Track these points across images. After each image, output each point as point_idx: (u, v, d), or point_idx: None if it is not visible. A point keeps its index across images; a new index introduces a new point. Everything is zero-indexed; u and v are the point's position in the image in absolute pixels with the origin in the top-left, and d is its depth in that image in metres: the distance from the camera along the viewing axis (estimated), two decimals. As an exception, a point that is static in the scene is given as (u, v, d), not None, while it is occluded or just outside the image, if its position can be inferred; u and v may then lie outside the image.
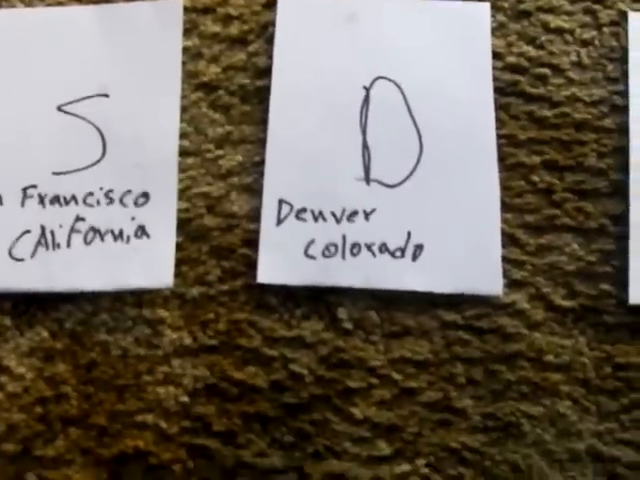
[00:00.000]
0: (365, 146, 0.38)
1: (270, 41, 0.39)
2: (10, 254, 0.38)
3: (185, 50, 0.39)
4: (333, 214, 0.38)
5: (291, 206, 0.38)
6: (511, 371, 0.37)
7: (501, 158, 0.38)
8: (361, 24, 0.39)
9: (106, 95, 0.39)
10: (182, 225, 0.38)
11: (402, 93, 0.39)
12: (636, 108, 0.38)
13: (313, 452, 0.37)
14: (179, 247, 0.38)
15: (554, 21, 0.39)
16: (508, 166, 0.38)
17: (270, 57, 0.39)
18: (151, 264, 0.38)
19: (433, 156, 0.38)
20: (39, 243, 0.38)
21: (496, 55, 0.39)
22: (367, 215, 0.38)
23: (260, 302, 0.38)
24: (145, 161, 0.38)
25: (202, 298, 0.38)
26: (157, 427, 0.37)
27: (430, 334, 0.37)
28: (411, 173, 0.38)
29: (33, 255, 0.38)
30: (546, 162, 0.38)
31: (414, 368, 0.37)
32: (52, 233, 0.38)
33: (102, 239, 0.38)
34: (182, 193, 0.38)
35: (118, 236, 0.38)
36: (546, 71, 0.39)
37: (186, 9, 0.40)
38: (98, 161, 0.39)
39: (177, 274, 0.38)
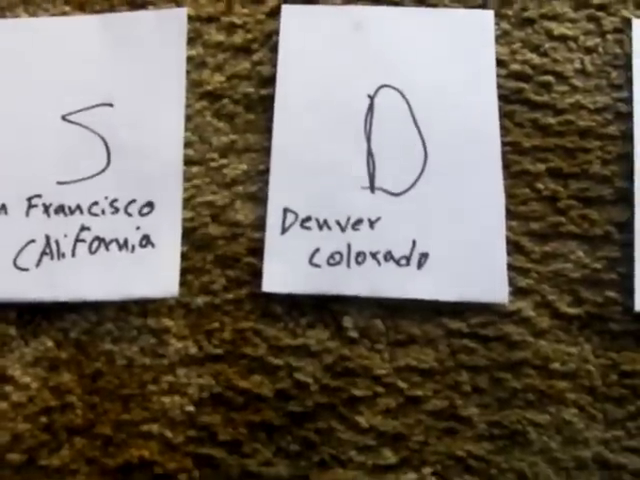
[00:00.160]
0: (370, 154, 0.38)
1: (274, 50, 0.39)
2: (15, 264, 0.38)
3: (189, 59, 0.40)
4: (338, 223, 0.38)
5: (296, 215, 0.38)
6: (517, 379, 0.37)
7: (506, 166, 0.38)
8: (365, 32, 0.39)
9: (110, 104, 0.39)
10: (187, 234, 0.38)
11: (406, 101, 0.39)
12: (640, 115, 0.38)
13: (319, 461, 0.37)
14: (184, 256, 0.38)
15: (558, 28, 0.39)
16: (513, 174, 0.38)
17: (274, 66, 0.39)
18: (156, 273, 0.38)
19: (438, 164, 0.38)
20: (44, 253, 0.38)
21: (500, 63, 0.39)
22: (372, 223, 0.38)
23: (265, 311, 0.38)
24: (150, 170, 0.38)
25: (207, 307, 0.38)
26: (162, 437, 0.37)
27: (435, 342, 0.37)
28: (416, 181, 0.38)
29: (38, 265, 0.38)
30: (551, 169, 0.38)
31: (419, 376, 0.37)
32: (57, 243, 0.38)
33: (107, 248, 0.38)
34: (187, 202, 0.38)
35: (123, 245, 0.38)
36: (550, 78, 0.39)
37: (190, 18, 0.40)
38: (103, 170, 0.39)
39: (182, 283, 0.38)
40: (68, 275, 0.38)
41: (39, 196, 0.38)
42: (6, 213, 0.38)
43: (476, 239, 0.37)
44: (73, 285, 0.38)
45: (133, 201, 0.38)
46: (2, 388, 0.37)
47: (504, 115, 0.39)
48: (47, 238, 0.38)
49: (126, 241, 0.38)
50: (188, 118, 0.39)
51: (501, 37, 0.39)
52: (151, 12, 0.40)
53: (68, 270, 0.38)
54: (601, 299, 0.37)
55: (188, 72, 0.39)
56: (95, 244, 0.38)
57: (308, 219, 0.38)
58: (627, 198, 0.38)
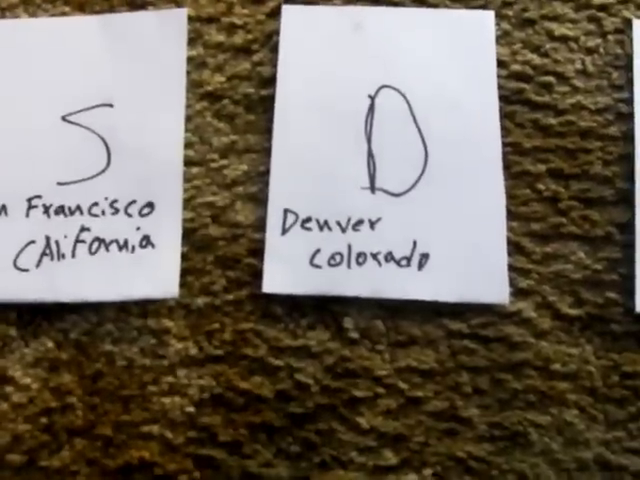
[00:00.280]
0: (370, 155, 0.38)
1: (274, 50, 0.39)
2: (15, 264, 0.38)
3: (189, 59, 0.39)
4: (338, 223, 0.38)
5: (296, 215, 0.38)
6: (518, 380, 0.37)
7: (506, 166, 0.38)
8: (365, 33, 0.39)
9: (110, 105, 0.39)
10: (187, 235, 0.38)
11: (407, 102, 0.39)
12: (641, 115, 0.38)
13: (319, 462, 0.37)
14: (184, 257, 0.38)
15: (559, 29, 0.39)
16: (513, 174, 0.38)
17: (274, 66, 0.39)
18: (156, 274, 0.38)
19: (438, 165, 0.38)
20: (44, 253, 0.38)
21: (501, 63, 0.39)
22: (372, 224, 0.38)
23: (266, 312, 0.38)
24: (150, 171, 0.38)
25: (207, 308, 0.38)
26: (163, 437, 0.37)
27: (436, 343, 0.37)
28: (416, 182, 0.38)
29: (38, 265, 0.38)
30: (551, 170, 0.38)
31: (420, 377, 0.37)
32: (57, 243, 0.38)
33: (107, 249, 0.38)
34: (187, 203, 0.38)
35: (123, 246, 0.38)
36: (551, 79, 0.39)
37: (190, 19, 0.40)
38: (103, 171, 0.39)
39: (182, 284, 0.38)
40: (68, 276, 0.38)
41: (39, 197, 0.38)
42: (6, 214, 0.38)
43: (477, 240, 0.37)
44: (73, 286, 0.38)
45: (133, 202, 0.38)
46: (2, 389, 0.37)
47: (505, 116, 0.39)
48: (47, 239, 0.38)
49: (126, 242, 0.38)
50: (188, 119, 0.39)
51: (502, 37, 0.39)
52: (151, 12, 0.40)
53: (68, 271, 0.38)
54: (602, 300, 0.37)
55: (188, 72, 0.39)
56: (95, 245, 0.38)
57: (308, 220, 0.38)
58: (628, 199, 0.38)
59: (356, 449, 0.37)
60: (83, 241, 0.38)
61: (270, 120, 0.39)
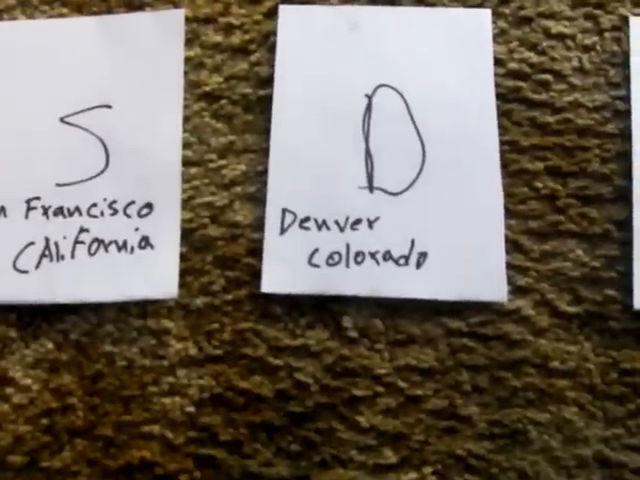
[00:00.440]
0: (368, 154, 0.38)
1: (272, 50, 0.39)
2: (14, 266, 0.38)
3: (187, 60, 0.39)
4: (337, 223, 0.38)
5: (295, 215, 0.38)
6: (517, 378, 0.37)
7: (504, 164, 0.38)
8: (362, 32, 0.39)
9: (109, 106, 0.39)
10: (186, 235, 0.38)
11: (404, 101, 0.39)
12: (638, 113, 0.38)
13: (319, 461, 0.37)
14: (183, 257, 0.38)
15: (555, 27, 0.39)
16: (511, 172, 0.38)
17: (272, 66, 0.39)
18: (155, 275, 0.38)
19: (436, 163, 0.38)
20: (43, 255, 0.38)
21: (498, 61, 0.39)
22: (371, 223, 0.38)
23: (265, 311, 0.38)
24: (148, 172, 0.38)
25: (207, 308, 0.38)
26: (163, 437, 0.37)
27: (435, 341, 0.37)
28: (414, 181, 0.38)
29: (37, 267, 0.38)
30: (549, 168, 0.38)
31: (419, 376, 0.37)
32: (56, 244, 0.38)
33: (106, 250, 0.38)
34: (186, 203, 0.38)
35: (122, 247, 0.38)
36: (548, 77, 0.39)
37: (187, 19, 0.40)
38: (101, 172, 0.39)
39: (181, 284, 0.38)
40: (68, 277, 0.38)
41: (38, 198, 0.38)
42: (5, 215, 0.38)
43: (475, 238, 0.37)
44: (73, 287, 0.38)
45: (132, 202, 0.38)
46: (3, 390, 0.37)
47: (502, 114, 0.39)
48: (46, 240, 0.38)
49: (125, 242, 0.38)
50: (186, 119, 0.39)
51: (499, 36, 0.39)
52: (148, 13, 0.40)
53: (67, 272, 0.38)
54: (600, 297, 0.37)
55: (186, 73, 0.39)
56: (94, 246, 0.38)
57: (307, 219, 0.38)
58: (626, 196, 0.38)
59: (356, 448, 0.37)
60: (82, 242, 0.38)
61: (268, 120, 0.39)
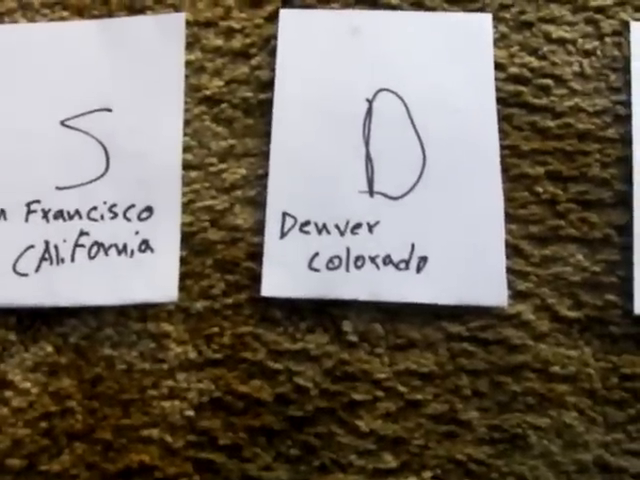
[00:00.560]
0: (368, 158, 0.38)
1: (272, 54, 0.39)
2: (14, 269, 0.38)
3: (188, 64, 0.40)
4: (337, 227, 0.38)
5: (295, 219, 0.38)
6: (517, 382, 0.37)
7: (504, 169, 0.38)
8: (363, 37, 0.39)
9: (109, 109, 0.39)
10: (186, 239, 0.38)
11: (405, 105, 0.39)
12: (639, 118, 0.38)
13: (319, 465, 0.37)
14: (183, 261, 0.38)
15: (556, 32, 0.39)
16: (512, 177, 0.38)
17: (273, 70, 0.39)
18: (155, 278, 0.38)
19: (436, 168, 0.38)
20: (43, 258, 0.38)
21: (498, 66, 0.39)
22: (371, 227, 0.38)
23: (264, 315, 0.38)
24: (149, 175, 0.38)
25: (206, 312, 0.38)
26: (162, 441, 0.37)
27: (435, 346, 0.37)
28: (414, 185, 0.38)
29: (37, 270, 0.38)
30: (550, 173, 0.38)
31: (419, 380, 0.37)
32: (56, 248, 0.38)
33: (106, 253, 0.38)
34: (186, 207, 0.38)
35: (122, 250, 0.38)
36: (549, 82, 0.39)
37: (188, 23, 0.40)
38: (102, 175, 0.39)
39: (181, 288, 0.38)
40: (67, 280, 0.38)
41: (38, 201, 0.38)
42: (5, 219, 0.38)
43: (475, 242, 0.37)
44: (72, 290, 0.38)
45: (132, 206, 0.38)
46: (2, 393, 0.37)
47: (503, 118, 0.39)
48: (46, 243, 0.38)
49: (125, 246, 0.38)
50: (187, 123, 0.39)
51: (499, 40, 0.39)
52: (149, 17, 0.40)
53: (67, 275, 0.38)
54: (601, 302, 0.37)
55: (187, 77, 0.39)
56: (94, 249, 0.38)
57: (307, 223, 0.38)
58: (626, 201, 0.38)
59: (356, 452, 0.37)
60: (82, 245, 0.38)
61: (268, 124, 0.39)
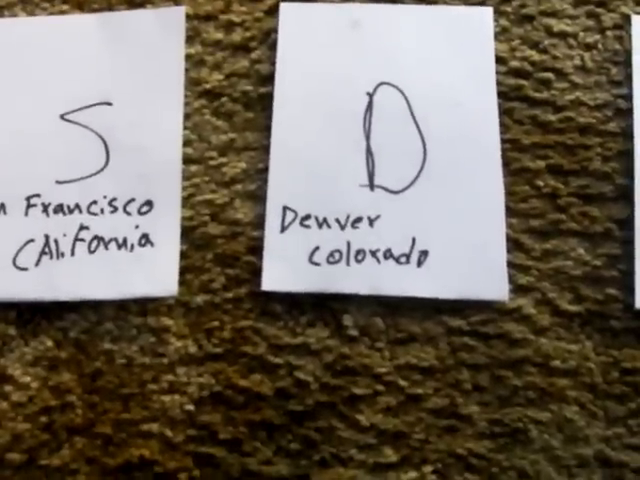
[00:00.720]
0: (369, 152, 0.38)
1: (273, 48, 0.39)
2: (14, 263, 0.38)
3: (188, 57, 0.39)
4: (337, 221, 0.38)
5: (295, 213, 0.38)
6: (517, 377, 0.37)
7: (505, 163, 0.38)
8: (364, 30, 0.39)
9: (109, 103, 0.39)
10: (186, 233, 0.38)
11: (405, 99, 0.38)
12: (640, 111, 0.38)
13: (319, 460, 0.37)
14: (183, 255, 0.38)
15: (557, 25, 0.39)
16: (512, 171, 0.38)
17: (273, 64, 0.39)
18: (155, 272, 0.38)
19: (437, 161, 0.38)
20: (43, 252, 0.38)
21: (499, 60, 0.39)
22: (371, 221, 0.38)
23: (265, 309, 0.38)
24: (149, 169, 0.38)
25: (207, 306, 0.38)
26: (162, 436, 0.37)
27: (436, 340, 0.37)
28: (415, 179, 0.38)
29: (37, 264, 0.38)
30: (551, 166, 0.38)
31: (420, 374, 0.37)
32: (56, 242, 0.38)
33: (106, 248, 0.38)
34: (186, 201, 0.38)
35: (122, 244, 0.38)
36: (550, 75, 0.39)
37: (188, 16, 0.40)
38: (101, 169, 0.39)
39: (181, 282, 0.38)
40: (67, 274, 0.38)
41: (38, 195, 0.38)
42: (5, 213, 0.38)
43: (476, 237, 0.37)
44: (72, 284, 0.38)
45: (132, 200, 0.38)
46: (2, 388, 0.37)
47: (504, 112, 0.39)
48: (46, 237, 0.38)
49: (125, 240, 0.38)
50: (187, 116, 0.39)
51: (500, 34, 0.39)
52: (149, 10, 0.40)
53: (67, 269, 0.38)
54: (602, 296, 0.37)
55: (187, 70, 0.39)
56: (94, 243, 0.38)
57: (307, 217, 0.38)
58: (627, 195, 0.38)
59: (356, 446, 0.37)
60: (82, 240, 0.38)
61: (269, 118, 0.39)
